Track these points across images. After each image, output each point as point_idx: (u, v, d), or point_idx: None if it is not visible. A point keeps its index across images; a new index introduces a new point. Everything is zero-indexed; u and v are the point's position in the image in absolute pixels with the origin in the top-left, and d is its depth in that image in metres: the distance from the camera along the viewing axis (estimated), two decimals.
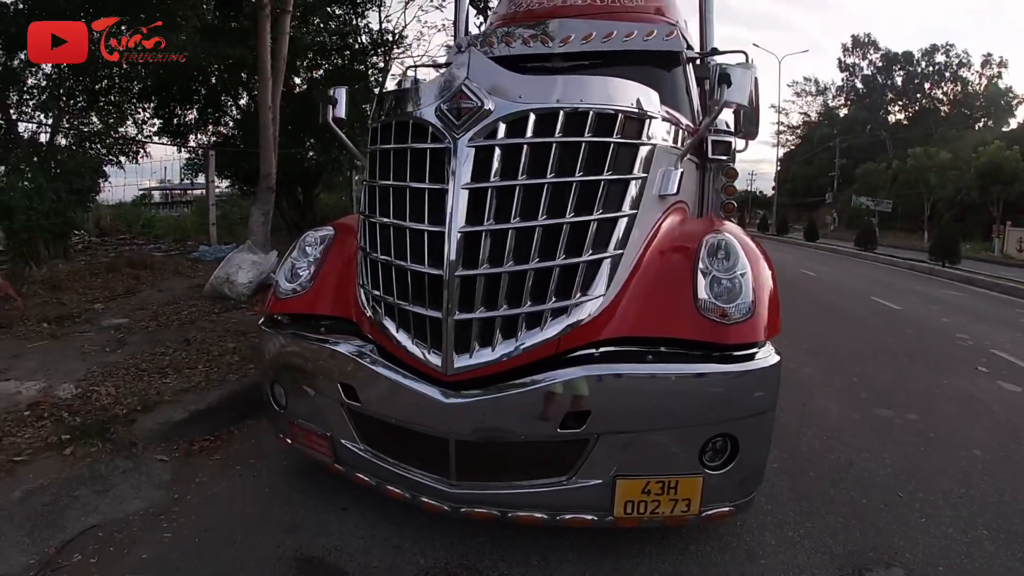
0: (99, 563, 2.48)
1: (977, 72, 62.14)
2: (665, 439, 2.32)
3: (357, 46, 14.98)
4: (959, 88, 62.56)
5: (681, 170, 2.88)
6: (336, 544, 2.62)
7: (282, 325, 2.88)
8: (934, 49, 63.21)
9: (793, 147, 70.45)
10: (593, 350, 2.34)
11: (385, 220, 2.50)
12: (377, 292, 2.51)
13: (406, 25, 17.66)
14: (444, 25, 17.95)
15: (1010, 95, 60.22)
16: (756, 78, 3.40)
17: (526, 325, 2.28)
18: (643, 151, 2.54)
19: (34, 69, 9.74)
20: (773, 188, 52.17)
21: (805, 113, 72.76)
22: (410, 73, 8.42)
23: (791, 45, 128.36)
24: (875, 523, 3.03)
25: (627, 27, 4.04)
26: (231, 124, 14.57)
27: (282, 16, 8.73)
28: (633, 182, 2.49)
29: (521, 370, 2.27)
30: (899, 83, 65.50)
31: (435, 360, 2.29)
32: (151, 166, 26.06)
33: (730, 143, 3.83)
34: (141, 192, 26.53)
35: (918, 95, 64.56)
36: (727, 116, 3.88)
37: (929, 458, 3.88)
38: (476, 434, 2.31)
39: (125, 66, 10.07)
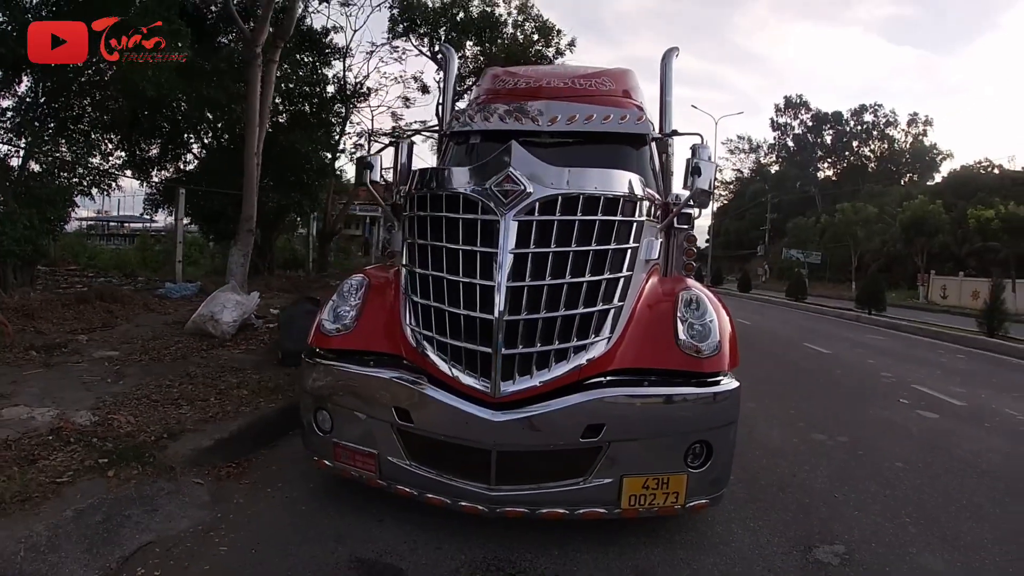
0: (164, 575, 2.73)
1: (903, 130, 66.97)
2: (659, 444, 3.02)
3: (326, 95, 15.43)
4: (886, 145, 67.04)
5: (660, 239, 3.71)
6: (384, 548, 3.06)
7: (329, 359, 3.38)
8: (863, 109, 67.84)
9: (726, 202, 73.75)
10: (603, 378, 3.02)
11: (437, 274, 3.12)
12: (428, 332, 3.10)
13: (367, 75, 18.25)
14: (400, 77, 18.79)
15: (935, 151, 64.90)
16: (710, 156, 4.20)
17: (555, 359, 2.96)
18: (636, 226, 3.31)
19: (3, 92, 9.72)
20: (707, 241, 54.65)
21: (738, 169, 76.61)
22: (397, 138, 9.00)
23: (727, 103, 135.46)
24: (818, 516, 3.76)
25: (605, 111, 4.68)
26: (194, 162, 14.77)
27: (268, 66, 9.15)
28: (630, 250, 3.24)
29: (551, 393, 2.93)
30: (828, 141, 69.84)
31: (484, 386, 2.90)
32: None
33: (691, 215, 4.62)
34: (88, 224, 26.02)
35: (847, 152, 68.79)
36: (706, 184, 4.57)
37: (858, 469, 4.66)
38: (516, 446, 2.91)
39: (98, 96, 10.20)
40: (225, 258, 18.80)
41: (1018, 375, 9.97)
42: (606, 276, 3.10)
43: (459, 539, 3.15)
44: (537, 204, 3.03)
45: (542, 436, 2.93)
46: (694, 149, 4.17)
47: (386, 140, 21.29)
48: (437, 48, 18.44)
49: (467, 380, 2.95)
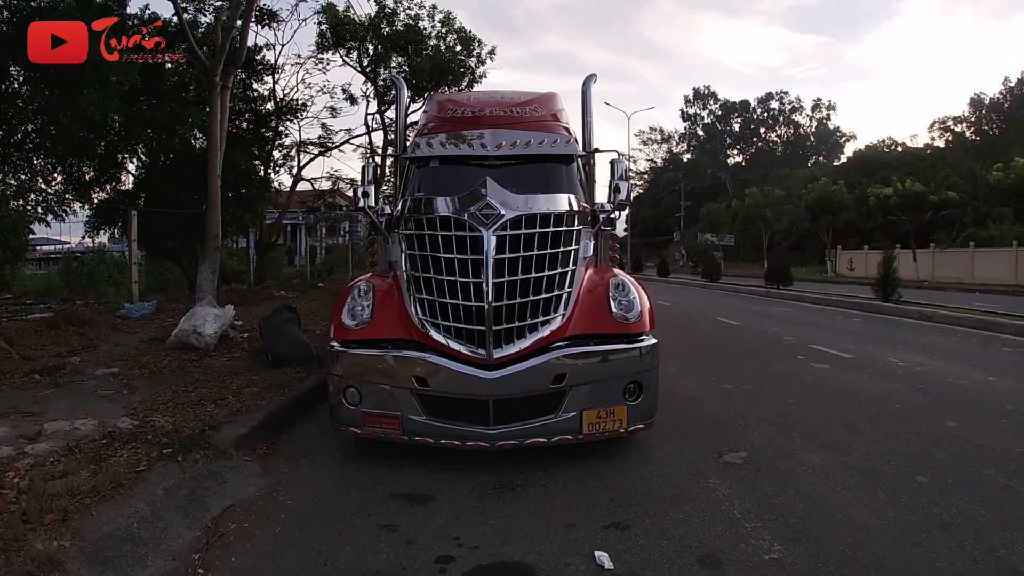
0: (251, 525, 3.46)
1: (808, 115, 70.23)
2: (605, 386, 4.29)
3: (261, 111, 15.83)
4: (792, 130, 70.11)
5: (592, 241, 5.00)
6: (414, 485, 4.09)
7: (353, 348, 4.41)
8: (769, 97, 70.72)
9: (641, 191, 75.31)
10: (562, 343, 4.29)
11: (438, 277, 4.28)
12: (433, 319, 4.26)
13: (296, 88, 18.75)
14: (325, 87, 19.26)
15: (838, 134, 68.27)
16: (626, 167, 5.39)
17: (528, 331, 4.20)
18: (576, 232, 4.61)
19: None
20: (625, 230, 56.53)
21: (652, 160, 78.50)
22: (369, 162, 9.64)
23: (638, 95, 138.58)
24: (726, 436, 5.07)
25: (540, 135, 5.61)
26: (130, 181, 14.80)
27: (224, 92, 9.72)
28: (573, 251, 4.54)
29: (528, 355, 4.17)
30: (737, 129, 72.57)
31: (480, 354, 4.10)
32: None
33: (614, 218, 5.74)
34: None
35: (754, 139, 71.54)
36: (624, 197, 5.56)
37: (758, 406, 5.98)
38: (506, 394, 4.11)
39: (44, 117, 10.19)
40: (160, 276, 18.91)
41: (905, 332, 11.42)
42: (558, 271, 4.37)
43: (468, 472, 4.25)
44: (508, 222, 4.26)
45: (524, 386, 4.13)
46: (612, 164, 5.41)
47: (315, 150, 21.84)
48: (385, 77, 19.06)
49: (466, 351, 4.14)
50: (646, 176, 79.53)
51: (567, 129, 6.07)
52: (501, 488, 4.01)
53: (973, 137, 51.66)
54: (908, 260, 28.83)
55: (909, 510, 3.60)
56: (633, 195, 60.69)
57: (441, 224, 4.38)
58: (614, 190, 5.21)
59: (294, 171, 20.86)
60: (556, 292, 4.34)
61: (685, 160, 75.44)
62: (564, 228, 4.49)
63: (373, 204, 5.26)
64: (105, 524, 3.12)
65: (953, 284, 26.53)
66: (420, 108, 11.88)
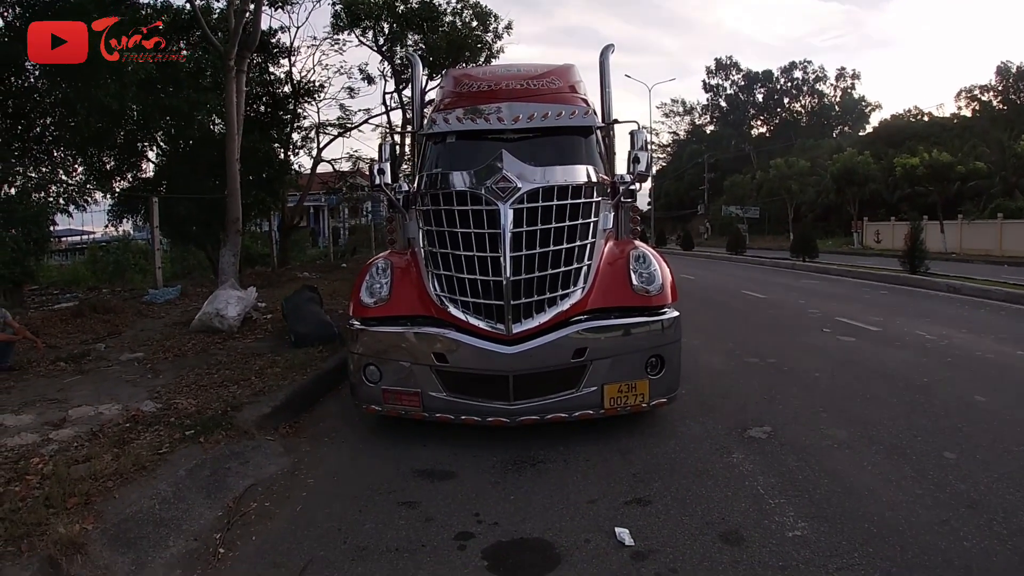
0: (273, 504, 3.48)
1: (832, 85, 68.64)
2: (626, 359, 4.22)
3: (278, 94, 15.86)
4: (816, 101, 68.65)
5: (612, 213, 4.92)
6: (435, 461, 4.09)
7: (373, 326, 4.39)
8: (792, 66, 69.09)
9: (664, 164, 74.46)
10: (582, 316, 4.22)
11: (456, 252, 4.23)
12: (452, 295, 4.21)
13: (312, 70, 18.72)
14: (343, 68, 19.29)
15: (864, 103, 66.89)
16: (646, 139, 5.28)
17: (547, 305, 4.14)
18: (595, 204, 4.52)
19: None
20: (649, 204, 56.06)
21: (674, 132, 77.41)
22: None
23: (659, 66, 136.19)
24: (751, 411, 4.97)
25: (558, 108, 5.55)
26: (151, 169, 14.99)
27: (239, 76, 9.74)
28: (592, 223, 4.44)
29: (547, 330, 4.11)
30: (760, 99, 71.18)
31: (499, 329, 4.05)
32: None
33: (634, 190, 5.60)
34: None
35: (778, 109, 70.20)
36: (644, 168, 5.47)
37: (784, 380, 5.88)
38: (526, 369, 4.06)
39: (62, 110, 10.28)
40: (184, 261, 19.14)
41: (933, 304, 11.17)
42: (577, 243, 4.29)
43: (489, 448, 4.23)
44: (525, 195, 4.18)
45: (544, 360, 4.08)
46: (632, 135, 5.29)
47: (335, 131, 21.85)
48: (402, 56, 18.96)
49: (485, 326, 4.10)
50: (669, 149, 78.38)
51: (585, 101, 5.99)
52: (522, 464, 3.99)
53: (1000, 106, 49.96)
54: (935, 232, 28.14)
55: (936, 487, 3.51)
56: (656, 168, 60.49)
57: (457, 199, 4.33)
58: (633, 160, 5.10)
59: (314, 153, 20.96)
60: (575, 265, 4.27)
61: (708, 132, 74.12)
62: (583, 200, 4.41)
63: (390, 182, 5.20)
64: (127, 506, 3.15)
65: (981, 256, 25.81)
66: (437, 85, 11.79)
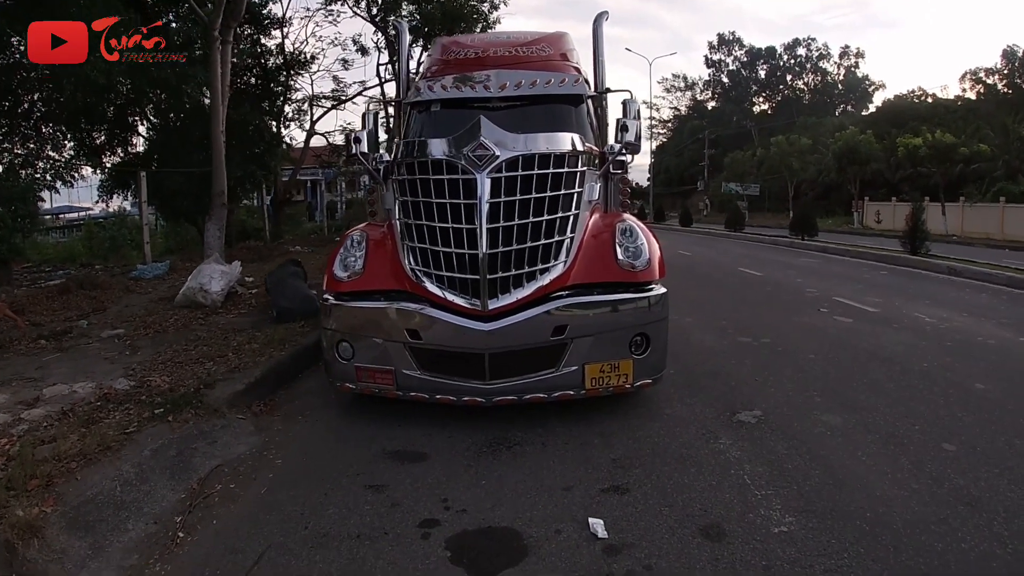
0: (238, 486, 3.35)
1: (836, 63, 67.85)
2: (609, 338, 4.00)
3: (269, 66, 15.56)
4: (819, 78, 67.96)
5: (599, 184, 4.68)
6: (408, 442, 3.92)
7: (345, 300, 4.19)
8: (796, 43, 68.27)
9: (665, 140, 74.15)
10: (563, 292, 4.00)
11: (430, 223, 3.99)
12: (426, 268, 3.99)
13: (305, 41, 18.38)
14: (337, 39, 18.93)
15: (867, 82, 66.31)
16: (639, 109, 5.07)
17: (526, 279, 3.91)
18: (579, 175, 4.25)
19: None
20: (648, 180, 55.73)
21: (675, 108, 76.57)
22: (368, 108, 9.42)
23: (660, 41, 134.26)
24: (741, 393, 4.79)
25: (547, 75, 5.40)
26: (143, 144, 14.78)
27: (225, 47, 9.47)
28: (576, 194, 4.19)
29: (525, 306, 3.89)
30: (763, 76, 70.54)
31: (474, 305, 3.83)
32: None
33: (624, 161, 5.38)
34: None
35: (781, 86, 69.48)
36: (632, 138, 5.26)
37: (777, 361, 5.70)
38: (503, 347, 3.85)
39: (49, 85, 10.08)
40: (178, 237, 18.96)
41: (933, 286, 10.88)
42: (559, 215, 4.04)
43: (465, 429, 4.06)
44: (504, 164, 3.93)
45: (521, 338, 3.87)
46: (624, 104, 5.07)
47: (328, 104, 21.51)
48: (390, 23, 18.51)
49: (461, 302, 3.88)
50: (670, 124, 77.41)
51: (577, 69, 5.81)
52: (498, 446, 3.82)
53: (1005, 90, 49.34)
54: (937, 213, 27.69)
55: (934, 481, 3.32)
56: (656, 144, 60.32)
57: (433, 167, 4.08)
58: (621, 128, 4.85)
59: (307, 126, 20.63)
60: (557, 238, 4.03)
61: (709, 108, 73.14)
62: (566, 170, 4.14)
63: (366, 150, 4.97)
64: (89, 488, 3.05)
65: (982, 239, 25.47)
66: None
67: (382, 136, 8.66)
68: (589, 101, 5.64)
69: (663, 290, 4.23)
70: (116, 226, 17.10)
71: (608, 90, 6.02)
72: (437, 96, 5.33)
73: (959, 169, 33.00)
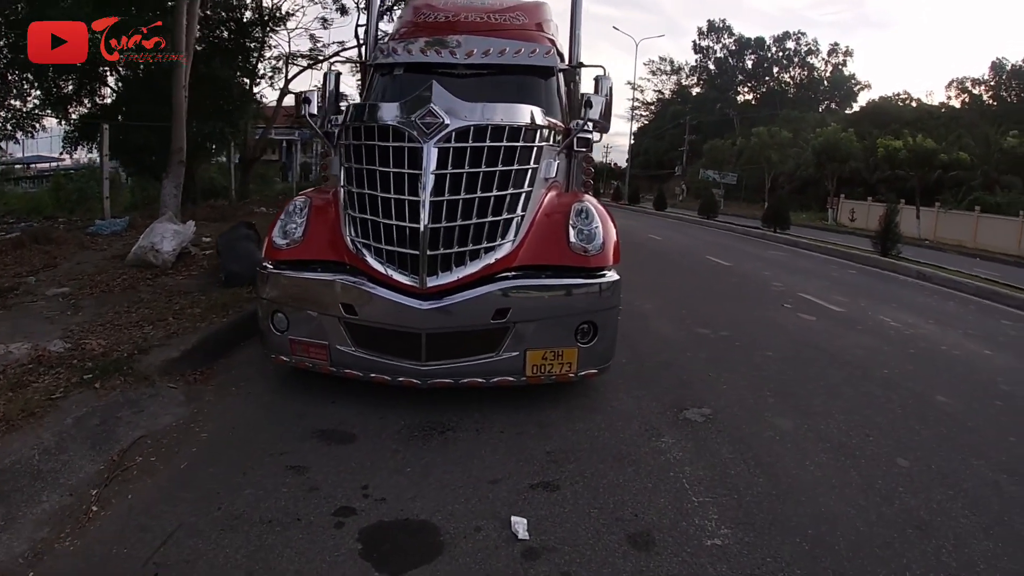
0: (159, 460, 3.20)
1: (824, 59, 68.32)
2: (553, 324, 3.83)
3: (243, 20, 15.05)
4: (806, 73, 68.32)
5: (558, 161, 4.46)
6: (338, 421, 3.74)
7: (283, 269, 3.98)
8: (785, 36, 68.71)
9: (647, 122, 74.23)
10: (510, 272, 3.80)
11: (372, 192, 3.76)
12: (366, 240, 3.77)
13: None
14: None
15: (853, 81, 66.76)
16: (611, 87, 4.90)
17: (469, 258, 3.70)
18: (535, 150, 4.02)
19: None
20: (628, 161, 55.74)
21: (659, 91, 76.78)
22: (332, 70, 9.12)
23: (650, 24, 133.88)
24: (692, 388, 4.66)
25: (517, 45, 5.23)
26: (112, 96, 14.25)
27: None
28: (531, 170, 3.97)
29: (467, 286, 3.68)
30: (750, 66, 70.65)
31: (413, 282, 3.62)
32: None
33: (589, 139, 5.19)
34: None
35: (767, 78, 69.82)
36: (596, 115, 5.04)
37: (733, 356, 5.58)
38: (440, 328, 3.67)
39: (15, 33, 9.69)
40: (144, 192, 18.44)
41: (901, 290, 10.89)
42: (510, 192, 3.82)
43: (399, 410, 3.89)
44: (453, 133, 3.68)
45: (460, 319, 3.69)
46: (597, 81, 4.88)
47: (304, 63, 20.95)
48: None
49: (399, 277, 3.66)
50: (653, 107, 77.57)
51: (552, 41, 5.63)
52: (430, 430, 3.67)
53: (991, 101, 50.41)
54: (911, 217, 28.01)
55: (884, 499, 3.18)
56: (637, 125, 60.37)
57: (380, 133, 3.82)
58: (585, 104, 4.61)
59: (281, 84, 20.06)
60: (506, 216, 3.80)
61: (694, 94, 73.25)
62: (520, 144, 3.90)
63: (315, 112, 4.74)
64: (6, 457, 2.92)
65: (954, 246, 25.92)
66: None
67: (357, 100, 8.34)
68: (560, 75, 5.45)
69: (616, 277, 4.03)
70: (85, 178, 16.60)
71: (581, 64, 5.84)
72: (401, 59, 5.14)
73: (937, 175, 33.44)
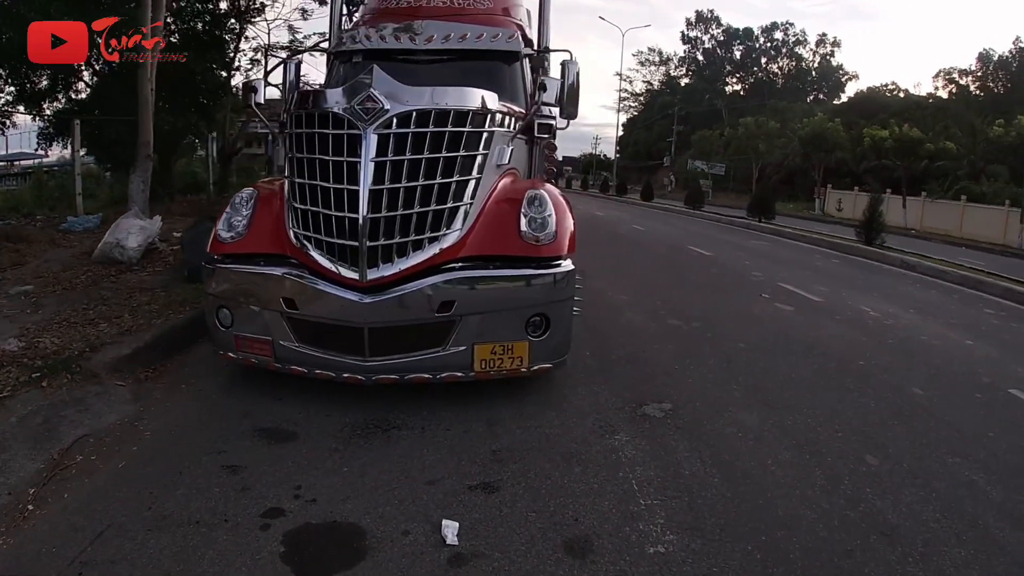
0: (99, 459, 3.14)
1: (812, 50, 68.33)
2: (502, 317, 3.71)
3: (219, 11, 14.84)
4: (794, 64, 68.27)
5: (512, 148, 4.29)
6: (282, 419, 3.64)
7: (226, 264, 3.88)
8: (774, 27, 68.50)
9: (635, 113, 74.08)
10: (456, 263, 3.68)
11: (312, 182, 3.64)
12: (307, 232, 3.65)
13: None
14: None
15: (841, 72, 66.86)
16: (578, 72, 4.79)
17: (412, 248, 3.57)
18: (485, 136, 3.88)
19: None
20: (617, 152, 55.62)
21: (648, 82, 76.52)
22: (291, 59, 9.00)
23: (638, 14, 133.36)
24: (655, 382, 4.55)
25: (479, 29, 5.12)
26: (86, 91, 14.01)
27: None
28: (479, 156, 3.83)
29: (410, 278, 3.56)
30: (738, 57, 70.56)
31: (354, 275, 3.50)
32: None
33: (551, 124, 5.06)
34: None
35: (755, 68, 69.74)
36: (551, 99, 4.83)
37: (702, 348, 5.47)
38: (383, 322, 3.56)
39: None
40: (123, 188, 18.25)
41: (883, 279, 10.78)
42: (456, 179, 3.67)
43: (344, 407, 3.79)
44: (394, 119, 3.52)
45: (404, 313, 3.58)
46: (564, 66, 4.77)
47: (284, 54, 20.69)
48: None
49: (341, 270, 3.54)
50: (642, 98, 77.26)
51: (519, 26, 5.52)
52: (374, 428, 3.56)
53: (977, 92, 50.59)
54: (897, 206, 28.13)
55: (849, 502, 3.01)
56: (626, 117, 60.44)
57: (320, 121, 3.68)
58: (539, 87, 4.47)
59: (259, 76, 19.75)
60: (451, 204, 3.65)
61: (682, 85, 72.89)
62: (468, 129, 3.74)
63: (261, 101, 4.62)
64: None
65: (940, 236, 25.89)
66: None
67: None
68: (526, 61, 5.34)
69: (570, 267, 3.89)
70: (68, 175, 16.42)
71: (547, 49, 5.75)
72: (360, 47, 5.03)
73: (923, 165, 33.37)
